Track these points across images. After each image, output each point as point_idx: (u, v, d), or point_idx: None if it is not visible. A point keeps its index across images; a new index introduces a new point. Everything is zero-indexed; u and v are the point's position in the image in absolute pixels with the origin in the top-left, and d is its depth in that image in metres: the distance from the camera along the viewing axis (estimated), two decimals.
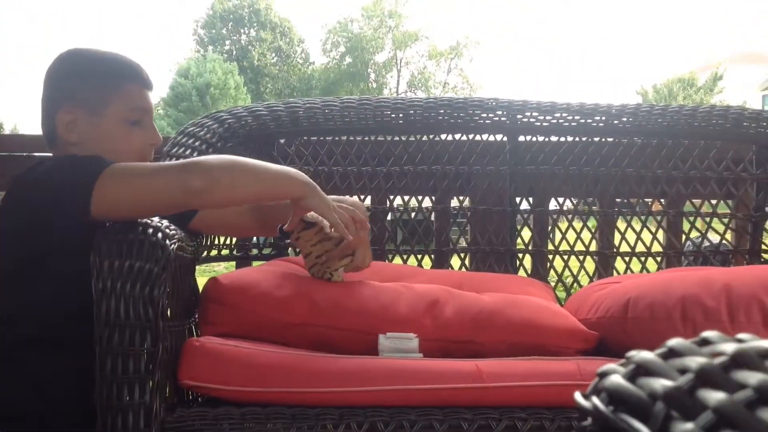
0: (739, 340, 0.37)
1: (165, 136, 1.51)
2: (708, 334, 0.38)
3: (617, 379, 0.37)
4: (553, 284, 1.93)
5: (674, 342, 0.38)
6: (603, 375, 0.38)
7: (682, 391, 0.34)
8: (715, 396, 0.32)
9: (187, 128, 1.71)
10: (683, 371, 0.35)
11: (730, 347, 0.36)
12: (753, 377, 0.33)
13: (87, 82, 1.28)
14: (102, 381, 1.04)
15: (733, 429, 0.31)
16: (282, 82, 39.26)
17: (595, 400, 0.37)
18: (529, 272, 1.97)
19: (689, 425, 0.31)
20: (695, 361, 0.35)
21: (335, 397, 1.12)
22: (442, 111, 1.92)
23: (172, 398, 1.15)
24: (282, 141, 1.93)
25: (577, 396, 0.38)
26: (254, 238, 1.91)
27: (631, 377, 0.37)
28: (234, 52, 39.69)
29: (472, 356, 1.24)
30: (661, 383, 0.34)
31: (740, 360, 0.34)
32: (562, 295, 1.90)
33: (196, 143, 1.65)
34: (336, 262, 1.35)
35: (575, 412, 1.10)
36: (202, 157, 1.24)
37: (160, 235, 1.11)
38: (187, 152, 1.61)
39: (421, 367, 1.16)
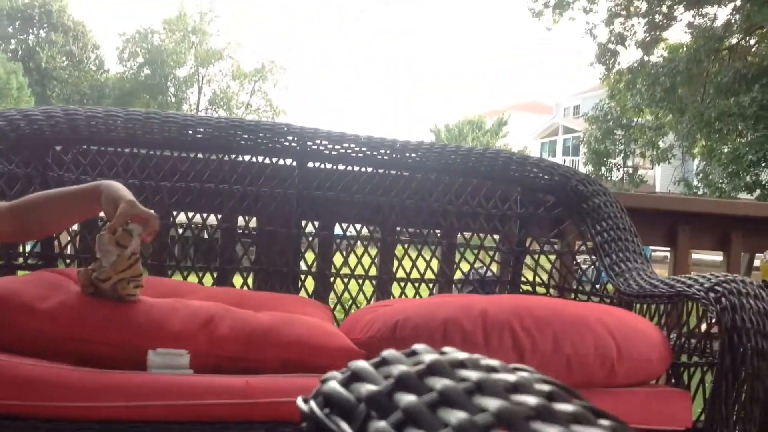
0: (442, 353, 0.43)
1: None
2: (417, 346, 0.44)
3: (333, 384, 0.41)
4: (333, 306, 2.00)
5: (387, 353, 0.43)
6: (324, 381, 0.43)
7: (382, 395, 0.39)
8: (406, 398, 0.38)
9: None
10: (388, 377, 0.41)
11: (429, 357, 0.42)
12: (440, 382, 0.39)
13: None
14: None
15: (417, 427, 0.36)
16: (71, 88, 36.63)
17: (312, 403, 0.41)
18: (311, 293, 2.03)
19: (382, 423, 0.36)
20: (398, 369, 0.40)
21: (97, 412, 1.10)
22: (232, 132, 1.93)
23: None
24: (58, 148, 1.84)
25: (299, 400, 0.42)
26: (20, 246, 1.79)
27: (346, 383, 0.42)
28: (20, 52, 36.52)
29: (244, 373, 1.26)
30: (366, 387, 0.39)
31: (434, 368, 0.40)
32: (341, 316, 1.97)
33: None
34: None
35: None
36: None
37: None
38: None
39: (190, 383, 1.16)
